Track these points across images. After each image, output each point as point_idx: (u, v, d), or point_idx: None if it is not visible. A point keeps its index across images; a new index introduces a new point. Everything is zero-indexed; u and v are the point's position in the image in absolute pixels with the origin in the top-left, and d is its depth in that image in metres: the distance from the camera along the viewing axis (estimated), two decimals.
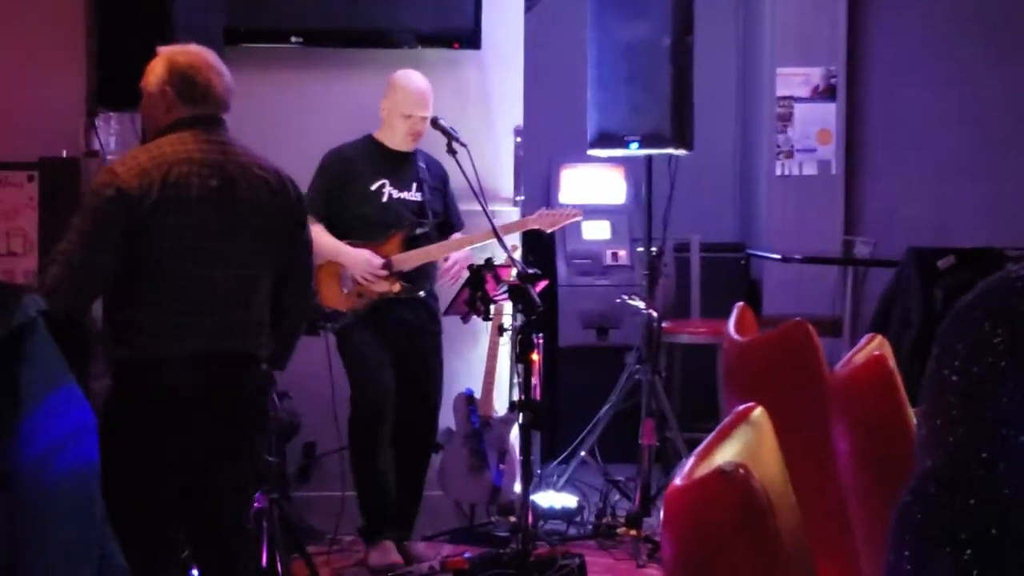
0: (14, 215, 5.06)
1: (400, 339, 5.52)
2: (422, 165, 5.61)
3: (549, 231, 5.80)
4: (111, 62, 4.16)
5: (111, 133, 5.70)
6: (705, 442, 1.69)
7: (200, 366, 3.79)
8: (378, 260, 5.44)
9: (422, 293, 5.55)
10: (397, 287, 5.46)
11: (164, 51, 3.95)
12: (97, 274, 3.70)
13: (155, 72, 3.89)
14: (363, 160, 5.56)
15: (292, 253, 4.01)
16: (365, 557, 5.49)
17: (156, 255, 3.74)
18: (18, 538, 2.89)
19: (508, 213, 6.03)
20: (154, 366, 3.74)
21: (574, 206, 5.90)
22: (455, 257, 5.54)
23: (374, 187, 5.51)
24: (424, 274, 5.56)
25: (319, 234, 5.43)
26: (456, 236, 5.63)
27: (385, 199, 5.52)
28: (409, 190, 5.56)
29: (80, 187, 4.62)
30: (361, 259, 5.45)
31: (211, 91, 3.87)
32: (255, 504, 4.81)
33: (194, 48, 3.95)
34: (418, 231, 5.53)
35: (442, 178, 5.69)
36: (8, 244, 4.69)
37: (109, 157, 5.29)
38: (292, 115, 6.18)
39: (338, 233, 5.50)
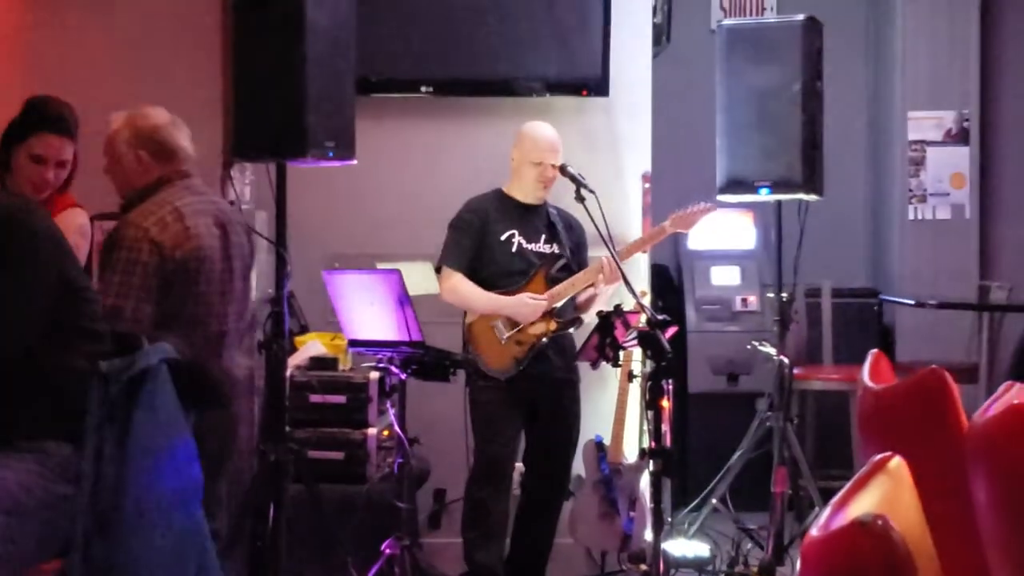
0: None
1: (534, 391, 5.48)
2: (554, 218, 5.59)
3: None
4: (245, 114, 4.29)
5: (246, 183, 5.83)
6: (842, 492, 1.67)
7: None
8: (532, 294, 5.41)
9: (572, 330, 5.50)
10: (554, 325, 5.44)
11: (119, 116, 4.19)
12: (143, 324, 3.85)
13: (121, 137, 4.13)
14: (493, 211, 5.54)
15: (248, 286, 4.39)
16: None
17: (183, 302, 3.98)
18: None
19: (636, 259, 5.98)
20: None
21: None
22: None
23: (503, 237, 5.50)
24: (571, 308, 5.55)
25: (466, 286, 5.45)
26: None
27: (514, 249, 5.50)
28: (538, 241, 5.54)
29: None
30: (520, 302, 5.40)
31: (179, 149, 4.16)
32: (387, 550, 4.87)
33: (149, 109, 4.22)
34: (558, 264, 5.51)
35: (578, 236, 5.64)
36: None
37: (244, 207, 5.40)
38: (422, 164, 6.26)
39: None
